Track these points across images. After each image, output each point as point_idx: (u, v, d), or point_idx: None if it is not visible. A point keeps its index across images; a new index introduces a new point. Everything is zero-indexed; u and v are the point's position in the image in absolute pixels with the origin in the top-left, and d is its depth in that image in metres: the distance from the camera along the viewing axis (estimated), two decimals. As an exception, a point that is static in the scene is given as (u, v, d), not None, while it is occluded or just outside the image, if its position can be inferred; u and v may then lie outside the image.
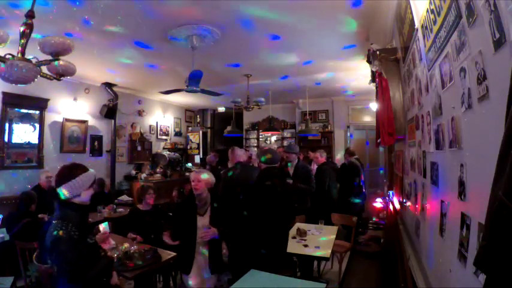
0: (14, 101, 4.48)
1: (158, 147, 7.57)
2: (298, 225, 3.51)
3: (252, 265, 2.34)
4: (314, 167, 5.22)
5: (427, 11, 1.55)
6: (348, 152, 5.43)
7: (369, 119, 7.15)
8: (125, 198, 5.63)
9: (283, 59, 4.51)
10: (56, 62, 2.05)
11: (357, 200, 4.97)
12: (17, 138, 4.60)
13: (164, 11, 3.02)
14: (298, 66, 4.91)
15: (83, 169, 1.77)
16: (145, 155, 6.99)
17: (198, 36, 3.51)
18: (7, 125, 4.42)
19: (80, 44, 3.59)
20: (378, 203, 5.41)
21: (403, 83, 2.70)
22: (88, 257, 1.67)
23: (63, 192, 1.67)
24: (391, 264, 2.61)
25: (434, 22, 1.43)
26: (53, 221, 1.64)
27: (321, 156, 5.06)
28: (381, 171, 6.43)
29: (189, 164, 8.11)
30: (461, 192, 1.16)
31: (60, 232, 1.58)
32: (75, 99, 5.42)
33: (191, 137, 8.55)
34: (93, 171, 1.83)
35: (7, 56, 1.88)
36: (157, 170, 6.90)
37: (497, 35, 0.83)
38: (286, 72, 5.27)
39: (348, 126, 7.58)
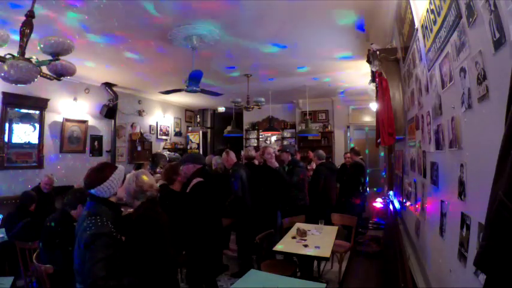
0: (14, 101, 4.48)
1: (158, 147, 7.57)
2: (298, 225, 3.51)
3: None
4: (313, 166, 5.25)
5: (427, 11, 1.55)
6: (354, 152, 5.43)
7: (369, 119, 7.15)
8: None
9: (284, 59, 4.52)
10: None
11: (358, 200, 4.98)
12: (17, 138, 4.60)
13: (164, 11, 3.02)
14: (297, 65, 4.91)
15: (113, 167, 1.76)
16: (145, 155, 6.98)
17: (198, 36, 3.51)
18: (7, 125, 4.42)
19: (81, 43, 3.59)
20: (378, 203, 5.41)
21: (403, 83, 2.70)
22: (120, 255, 1.62)
23: (101, 194, 1.66)
24: (391, 264, 2.60)
25: (434, 22, 1.43)
26: (87, 217, 1.59)
27: (314, 157, 5.17)
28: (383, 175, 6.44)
29: (189, 164, 8.11)
30: (461, 192, 1.16)
31: (101, 227, 1.56)
32: (75, 99, 5.42)
33: (191, 137, 8.55)
34: (122, 167, 1.81)
35: (7, 56, 1.88)
36: (157, 170, 6.89)
37: (497, 35, 0.83)
38: (287, 71, 5.27)
39: (348, 126, 7.58)
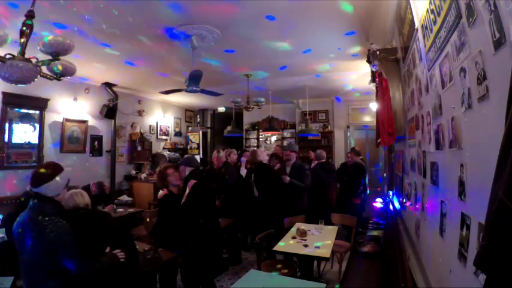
0: (14, 101, 4.48)
1: (158, 147, 7.57)
2: (298, 225, 3.51)
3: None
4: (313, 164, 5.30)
5: (427, 11, 1.55)
6: (355, 152, 5.43)
7: (369, 119, 7.15)
8: (125, 198, 5.63)
9: (284, 59, 4.52)
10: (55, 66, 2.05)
11: (358, 201, 4.98)
12: (17, 138, 4.59)
13: (164, 11, 3.02)
14: (297, 65, 4.92)
15: (60, 168, 1.82)
16: (145, 155, 6.98)
17: (198, 36, 3.51)
18: (7, 125, 4.42)
19: (81, 43, 3.59)
20: (378, 203, 5.41)
21: (403, 83, 2.70)
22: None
23: (45, 192, 1.72)
24: (391, 264, 2.61)
25: (434, 22, 1.43)
26: (43, 218, 1.66)
27: (313, 158, 5.28)
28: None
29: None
30: (461, 192, 1.16)
31: (61, 227, 1.65)
32: (75, 99, 5.42)
33: (191, 137, 8.54)
34: (66, 170, 1.88)
35: (7, 56, 1.88)
36: (157, 170, 6.88)
37: (497, 35, 0.83)
38: (288, 71, 5.27)
39: (348, 126, 7.58)
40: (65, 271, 1.68)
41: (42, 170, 1.75)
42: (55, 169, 1.79)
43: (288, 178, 4.09)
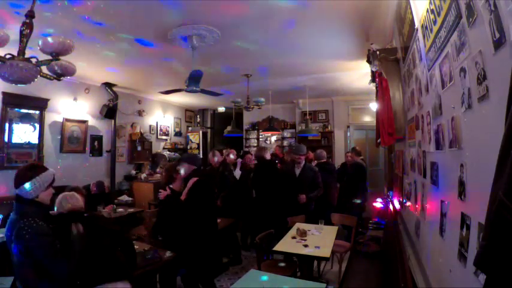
0: (14, 101, 4.48)
1: (158, 147, 7.57)
2: (298, 225, 3.51)
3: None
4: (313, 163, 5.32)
5: (427, 11, 1.55)
6: (356, 152, 5.42)
7: (368, 119, 7.15)
8: (124, 198, 5.63)
9: (284, 59, 4.51)
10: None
11: (358, 201, 4.98)
12: (17, 138, 4.59)
13: (164, 11, 3.02)
14: (297, 65, 4.91)
15: (41, 169, 1.79)
16: (145, 155, 6.98)
17: (198, 36, 3.51)
18: (7, 125, 4.42)
19: (80, 43, 3.59)
20: (378, 203, 5.41)
21: (403, 83, 2.70)
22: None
23: (23, 194, 1.71)
24: (391, 264, 2.61)
25: (434, 22, 1.43)
26: (20, 219, 1.65)
27: (312, 158, 5.29)
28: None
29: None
30: (461, 192, 1.16)
31: (36, 227, 1.63)
32: (75, 99, 5.42)
33: (191, 137, 8.54)
34: (51, 171, 1.84)
35: (7, 56, 1.88)
36: (157, 170, 6.89)
37: (497, 35, 0.83)
38: (288, 71, 5.27)
39: (348, 126, 7.58)
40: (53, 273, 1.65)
41: (21, 172, 1.74)
42: (33, 170, 1.75)
43: (303, 197, 4.07)
